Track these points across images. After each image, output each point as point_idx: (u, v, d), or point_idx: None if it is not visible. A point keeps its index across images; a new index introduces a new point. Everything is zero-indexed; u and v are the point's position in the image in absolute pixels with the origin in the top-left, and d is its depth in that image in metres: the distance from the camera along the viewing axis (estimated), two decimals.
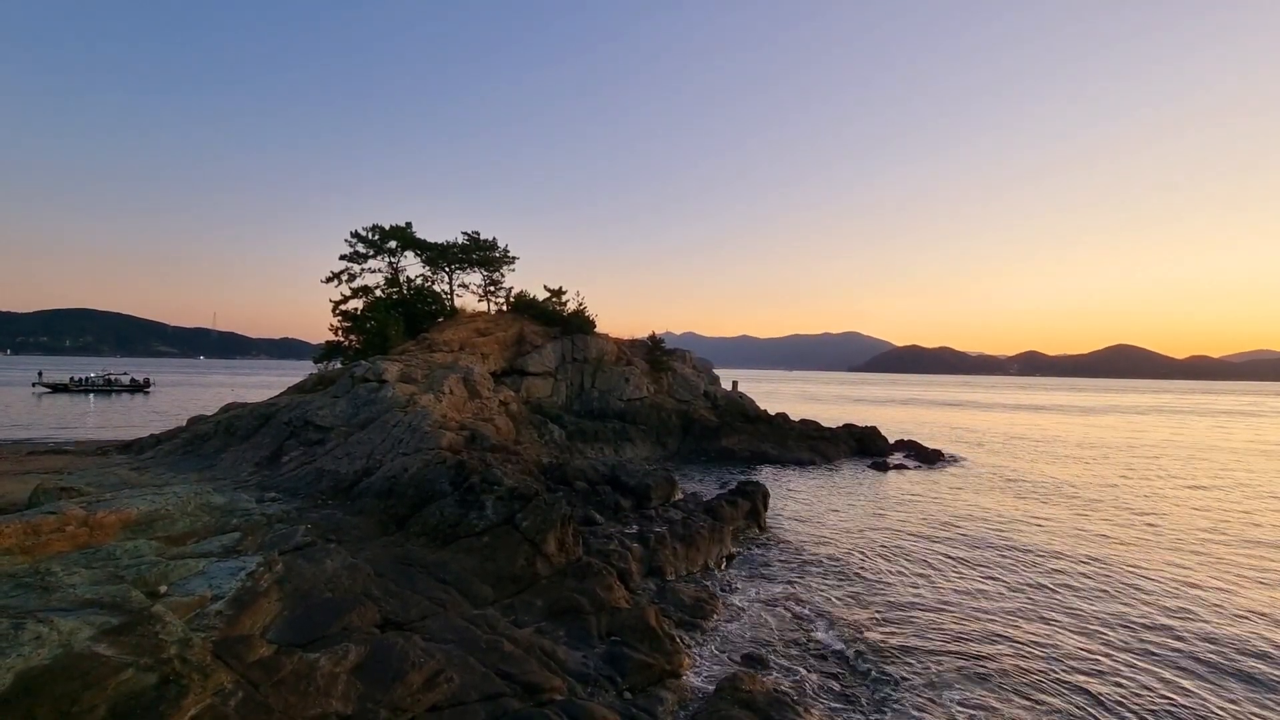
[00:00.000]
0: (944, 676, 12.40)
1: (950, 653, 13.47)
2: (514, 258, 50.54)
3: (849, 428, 47.85)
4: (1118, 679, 12.43)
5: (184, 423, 31.43)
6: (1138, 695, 11.85)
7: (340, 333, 44.90)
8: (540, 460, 25.73)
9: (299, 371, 65.32)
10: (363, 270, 47.22)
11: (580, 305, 47.42)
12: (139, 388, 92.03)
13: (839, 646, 13.63)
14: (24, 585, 9.87)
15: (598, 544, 17.10)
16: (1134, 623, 15.21)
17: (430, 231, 58.50)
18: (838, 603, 16.21)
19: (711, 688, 10.95)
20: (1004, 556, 20.44)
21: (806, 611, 15.51)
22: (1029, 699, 11.64)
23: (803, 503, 28.18)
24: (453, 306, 48.72)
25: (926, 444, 46.55)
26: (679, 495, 25.27)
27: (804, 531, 23.19)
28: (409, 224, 47.49)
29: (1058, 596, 16.96)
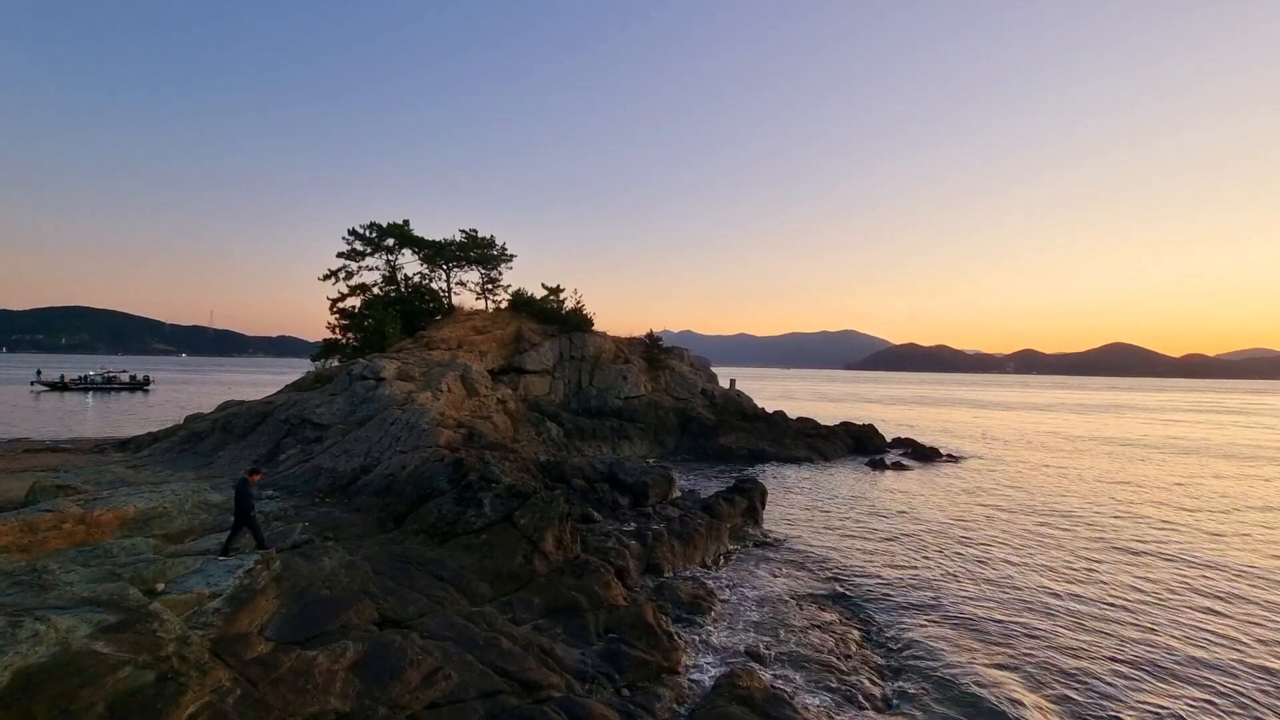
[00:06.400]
0: (942, 672, 12.45)
1: (948, 648, 13.52)
2: (512, 255, 50.51)
3: (846, 426, 47.96)
4: (1122, 669, 12.50)
5: (181, 420, 31.37)
6: (1141, 686, 11.95)
7: (338, 330, 44.83)
8: (538, 458, 25.75)
9: (296, 369, 65.20)
10: (360, 268, 47.20)
11: (578, 303, 47.46)
12: (138, 385, 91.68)
13: (836, 643, 13.67)
14: (21, 583, 9.87)
15: (596, 542, 17.13)
16: (1137, 615, 15.29)
17: (428, 229, 58.39)
18: (835, 600, 16.26)
19: (710, 684, 11.00)
20: (1000, 553, 20.51)
21: (804, 608, 15.56)
22: (1026, 693, 11.70)
23: (800, 500, 28.26)
24: (450, 304, 48.67)
25: (923, 442, 46.72)
26: (676, 493, 25.31)
27: (801, 529, 23.26)
28: (406, 221, 47.44)
29: (1051, 591, 17.03)
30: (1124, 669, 12.80)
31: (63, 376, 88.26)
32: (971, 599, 16.45)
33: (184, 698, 7.63)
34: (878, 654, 13.26)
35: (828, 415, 58.29)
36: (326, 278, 46.32)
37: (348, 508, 17.33)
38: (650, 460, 35.58)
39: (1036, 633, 14.42)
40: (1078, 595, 16.90)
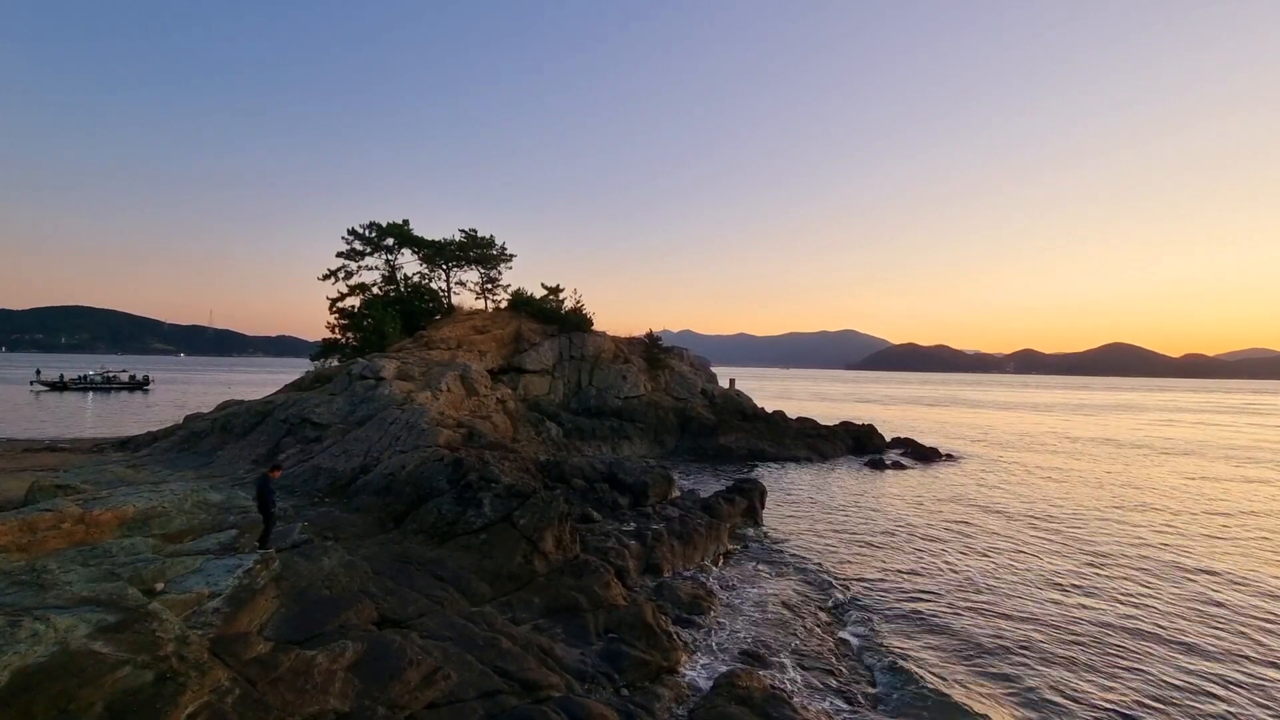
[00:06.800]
0: (941, 672, 12.45)
1: (947, 648, 13.53)
2: (511, 255, 50.52)
3: (846, 426, 47.96)
4: (1118, 674, 12.52)
5: (180, 420, 31.35)
6: (1145, 688, 11.95)
7: (337, 330, 44.83)
8: (538, 458, 25.74)
9: (296, 369, 65.14)
10: (360, 268, 47.25)
11: (578, 303, 47.48)
12: (138, 385, 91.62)
13: (835, 643, 13.68)
14: (20, 583, 9.85)
15: (595, 541, 17.13)
16: (1136, 614, 15.31)
17: (428, 229, 58.33)
18: (835, 599, 16.27)
19: (709, 684, 10.99)
20: (999, 552, 20.52)
21: (803, 608, 15.56)
22: (1022, 694, 11.71)
23: (800, 500, 28.26)
24: (450, 304, 48.67)
25: (923, 441, 46.71)
26: (676, 493, 25.31)
27: (801, 529, 23.26)
28: (406, 221, 47.46)
29: (1050, 587, 17.04)
30: (1124, 677, 12.80)
31: (62, 376, 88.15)
32: (971, 601, 16.45)
33: (183, 697, 7.62)
34: (876, 654, 13.25)
35: (827, 415, 58.29)
36: (326, 277, 46.33)
37: (347, 507, 17.33)
38: (650, 460, 35.56)
39: (1035, 635, 14.42)
40: (1075, 597, 16.91)
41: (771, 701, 10.08)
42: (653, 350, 47.92)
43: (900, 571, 18.61)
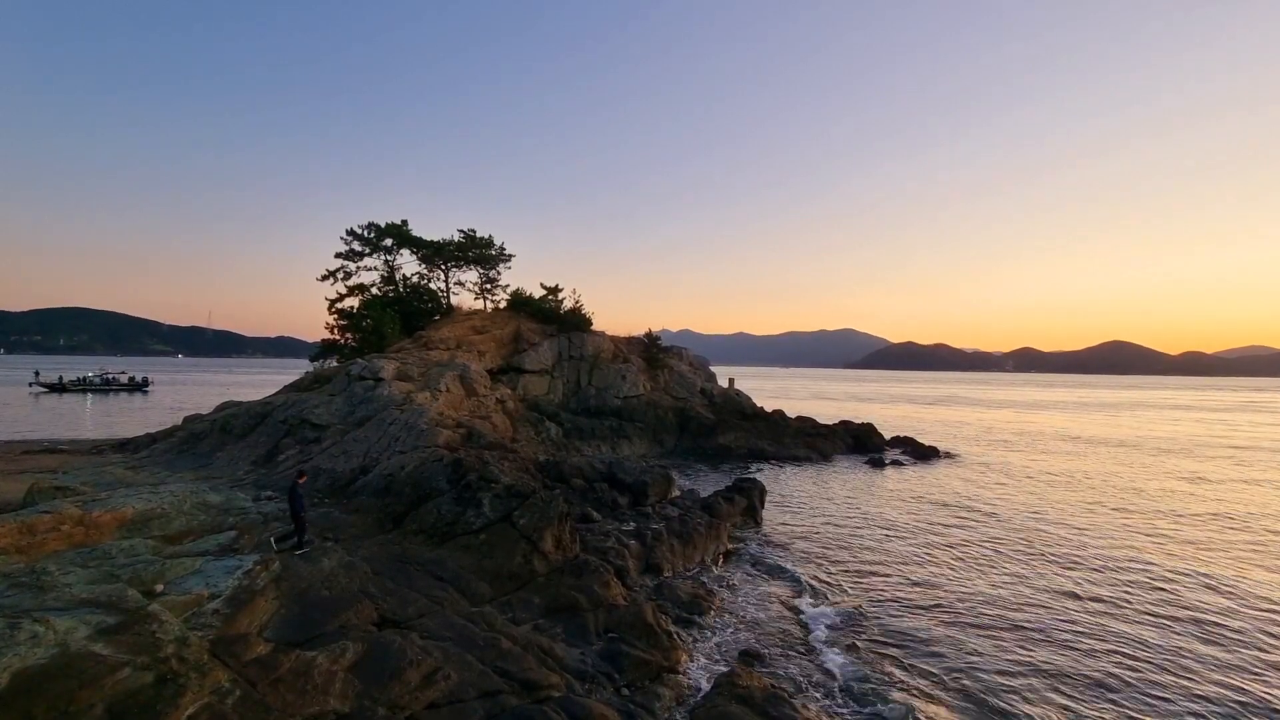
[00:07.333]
0: (939, 670, 12.46)
1: (945, 646, 13.53)
2: (510, 255, 50.51)
3: (845, 425, 47.98)
4: (1109, 669, 12.52)
5: (179, 421, 31.33)
6: (1135, 686, 11.96)
7: (336, 331, 44.81)
8: (537, 458, 25.75)
9: (295, 370, 65.11)
10: (359, 268, 47.29)
11: (577, 303, 47.46)
12: (138, 387, 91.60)
13: (836, 642, 13.68)
14: (20, 585, 9.85)
15: (595, 541, 17.13)
16: (1131, 616, 15.33)
17: (426, 229, 58.33)
18: (834, 599, 16.27)
19: (709, 684, 11.00)
20: (998, 551, 20.53)
21: (803, 607, 15.57)
22: (1021, 690, 11.71)
23: (799, 499, 28.26)
24: (449, 304, 48.66)
25: (923, 440, 46.71)
26: (676, 492, 25.31)
27: (801, 528, 23.26)
28: (405, 221, 47.46)
29: (1049, 589, 17.05)
30: (1132, 685, 12.80)
31: (61, 378, 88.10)
32: (970, 602, 16.46)
33: (183, 699, 7.62)
34: (876, 654, 13.25)
35: (826, 414, 58.31)
36: (325, 278, 46.34)
37: (347, 508, 17.33)
38: (649, 460, 35.56)
39: (1037, 635, 14.44)
40: (1078, 599, 16.92)
41: (772, 701, 10.09)
42: (652, 350, 47.91)
43: (901, 571, 18.61)
